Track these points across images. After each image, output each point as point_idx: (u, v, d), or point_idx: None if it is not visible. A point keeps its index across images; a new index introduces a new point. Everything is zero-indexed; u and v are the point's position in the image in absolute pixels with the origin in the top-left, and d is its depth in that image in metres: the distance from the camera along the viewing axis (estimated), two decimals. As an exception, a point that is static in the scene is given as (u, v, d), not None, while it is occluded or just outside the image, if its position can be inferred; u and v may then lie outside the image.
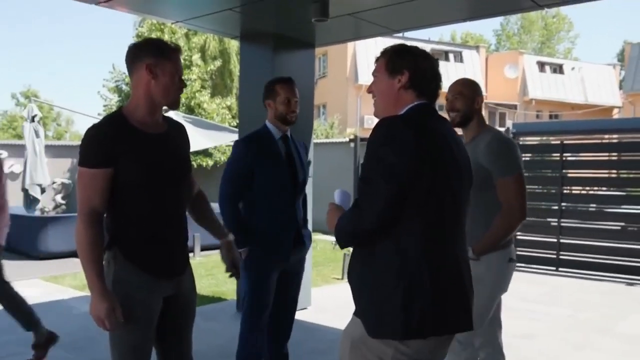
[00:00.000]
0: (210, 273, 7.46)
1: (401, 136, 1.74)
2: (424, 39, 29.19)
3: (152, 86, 2.13)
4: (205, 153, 14.35)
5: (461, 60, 29.70)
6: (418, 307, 1.74)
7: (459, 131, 2.55)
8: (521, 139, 9.65)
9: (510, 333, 4.94)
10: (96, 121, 2.21)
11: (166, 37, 15.20)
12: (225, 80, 22.37)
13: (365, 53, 25.98)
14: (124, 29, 75.22)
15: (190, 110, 14.65)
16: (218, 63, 16.99)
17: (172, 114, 9.86)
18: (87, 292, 6.21)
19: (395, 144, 1.73)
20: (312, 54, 5.56)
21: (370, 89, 2.01)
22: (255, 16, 4.84)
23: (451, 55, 29.64)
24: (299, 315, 5.38)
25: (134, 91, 2.17)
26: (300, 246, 3.41)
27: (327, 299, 6.12)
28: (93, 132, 2.09)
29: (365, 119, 25.52)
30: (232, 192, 3.17)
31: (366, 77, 25.94)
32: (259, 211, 3.18)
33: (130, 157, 2.08)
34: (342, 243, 1.89)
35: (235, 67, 22.82)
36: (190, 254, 8.80)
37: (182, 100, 15.10)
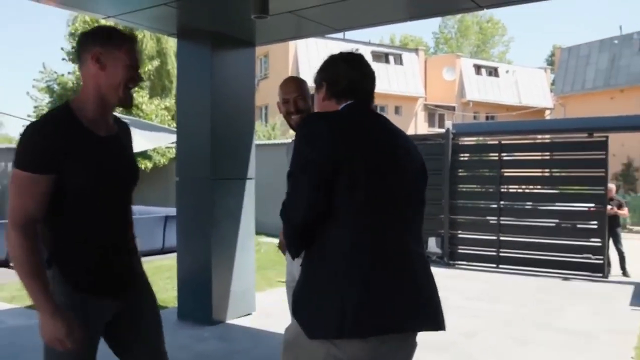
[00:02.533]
0: (150, 280, 7.14)
1: (316, 130, 1.75)
2: (364, 40, 29.53)
3: (101, 79, 1.88)
4: (144, 155, 13.91)
5: (401, 63, 30.19)
6: (351, 305, 1.63)
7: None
8: (461, 139, 9.86)
9: (455, 331, 4.99)
10: (29, 121, 1.97)
11: (100, 36, 14.61)
12: (163, 80, 21.86)
13: (306, 54, 25.98)
14: (56, 26, 72.19)
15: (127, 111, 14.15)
16: (156, 63, 16.51)
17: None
18: (14, 305, 5.85)
19: (311, 137, 1.75)
20: (253, 53, 5.43)
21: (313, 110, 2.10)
22: (192, 12, 4.67)
23: (391, 58, 30.08)
24: (243, 321, 5.27)
25: (83, 85, 1.93)
26: None
27: (272, 303, 5.99)
28: (36, 130, 1.81)
29: (307, 121, 25.48)
30: None
31: (308, 78, 25.83)
32: None
33: (78, 161, 1.82)
34: (291, 251, 1.84)
35: (173, 67, 22.28)
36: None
37: (119, 101, 14.55)
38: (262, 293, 6.44)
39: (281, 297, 6.50)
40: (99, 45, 1.87)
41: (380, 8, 4.51)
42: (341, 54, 1.98)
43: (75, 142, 1.82)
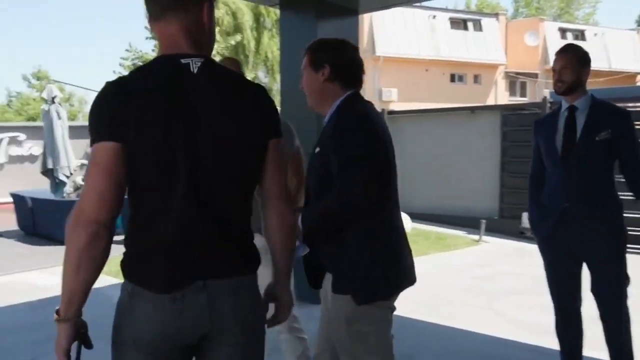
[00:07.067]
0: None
1: (371, 127, 2.01)
2: (441, 7, 28.49)
3: None
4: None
5: (480, 29, 28.92)
6: (395, 266, 2.05)
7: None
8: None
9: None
10: None
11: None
12: (240, 55, 22.00)
13: (382, 24, 25.34)
14: (138, 6, 74.26)
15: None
16: (238, 38, 16.48)
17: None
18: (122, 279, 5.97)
19: (368, 134, 2.00)
20: (356, 22, 5.19)
21: (301, 85, 2.19)
22: (297, -19, 4.49)
23: (470, 24, 28.85)
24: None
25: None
26: None
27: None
28: None
29: (383, 92, 25.02)
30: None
31: (384, 48, 25.35)
32: None
33: None
34: (327, 229, 2.05)
35: (249, 42, 22.38)
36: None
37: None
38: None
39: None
40: None
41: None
42: (337, 41, 2.16)
43: None
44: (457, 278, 6.46)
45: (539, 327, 4.28)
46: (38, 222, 9.15)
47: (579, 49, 3.01)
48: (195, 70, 1.45)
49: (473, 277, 6.50)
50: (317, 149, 2.11)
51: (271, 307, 1.73)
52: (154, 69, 1.46)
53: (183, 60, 1.44)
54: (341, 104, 2.10)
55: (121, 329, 1.49)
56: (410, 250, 2.18)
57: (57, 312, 1.44)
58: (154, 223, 1.45)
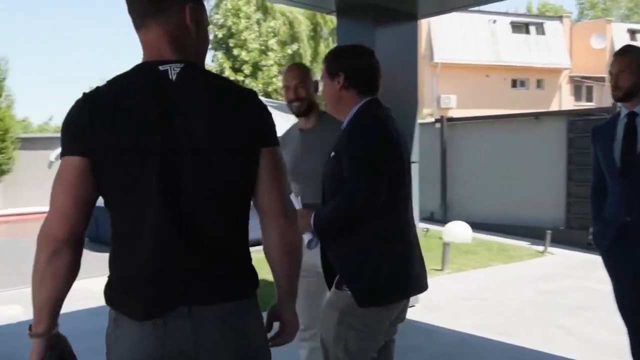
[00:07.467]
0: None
1: (386, 134, 2.02)
2: (501, 11, 27.80)
3: None
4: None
5: (543, 33, 28.02)
6: (404, 270, 2.04)
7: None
8: None
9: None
10: None
11: (242, 23, 15.07)
12: (297, 64, 22.14)
13: (440, 30, 24.95)
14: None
15: (267, 95, 14.46)
16: (295, 47, 16.65)
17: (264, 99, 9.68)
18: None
19: (384, 140, 2.01)
20: (415, 27, 5.07)
21: (323, 92, 2.24)
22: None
23: (532, 28, 28.00)
24: (408, 314, 4.98)
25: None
26: None
27: (433, 294, 5.64)
28: None
29: (442, 99, 24.59)
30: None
31: (442, 55, 24.96)
32: None
33: None
34: (329, 237, 2.09)
35: (305, 51, 22.53)
36: None
37: (259, 86, 14.93)
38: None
39: (441, 287, 6.21)
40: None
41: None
42: (352, 48, 2.19)
43: None
44: (521, 291, 6.17)
45: (612, 348, 4.00)
46: (101, 229, 9.42)
47: (639, 50, 2.73)
48: (174, 77, 1.35)
49: (538, 291, 6.19)
50: (333, 153, 2.10)
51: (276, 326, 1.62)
52: (130, 78, 1.37)
53: (161, 67, 1.35)
54: (359, 110, 2.10)
55: (109, 356, 1.42)
56: (421, 256, 2.15)
57: (30, 327, 1.38)
58: (131, 244, 1.36)
